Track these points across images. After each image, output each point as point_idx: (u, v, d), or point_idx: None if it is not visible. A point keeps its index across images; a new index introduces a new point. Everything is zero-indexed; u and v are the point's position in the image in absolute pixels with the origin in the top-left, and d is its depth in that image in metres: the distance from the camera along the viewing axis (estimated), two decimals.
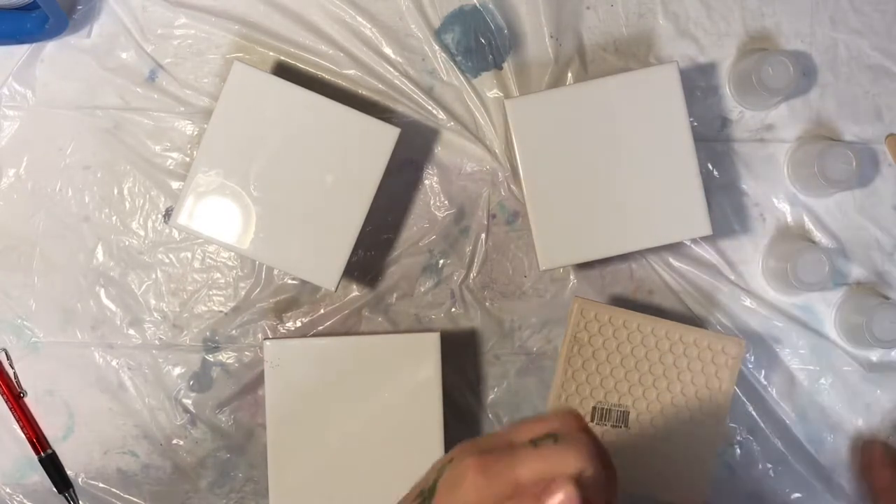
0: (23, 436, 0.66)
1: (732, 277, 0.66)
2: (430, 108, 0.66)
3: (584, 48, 0.66)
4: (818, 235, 0.66)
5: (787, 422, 0.66)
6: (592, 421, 0.58)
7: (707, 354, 0.58)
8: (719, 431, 0.59)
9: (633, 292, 0.66)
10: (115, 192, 0.66)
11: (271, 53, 0.66)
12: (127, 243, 0.67)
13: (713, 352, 0.58)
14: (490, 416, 0.67)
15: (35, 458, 0.67)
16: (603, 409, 0.58)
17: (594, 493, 0.33)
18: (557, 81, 0.65)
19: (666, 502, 0.58)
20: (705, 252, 0.66)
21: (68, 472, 0.67)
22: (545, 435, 0.35)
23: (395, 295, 0.66)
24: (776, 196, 0.66)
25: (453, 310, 0.66)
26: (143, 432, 0.67)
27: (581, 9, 0.66)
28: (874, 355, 0.67)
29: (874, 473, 0.62)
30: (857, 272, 0.66)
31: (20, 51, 0.65)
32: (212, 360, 0.67)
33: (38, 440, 0.66)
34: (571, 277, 0.66)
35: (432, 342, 0.61)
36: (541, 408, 0.66)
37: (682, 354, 0.58)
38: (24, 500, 0.67)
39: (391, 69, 0.65)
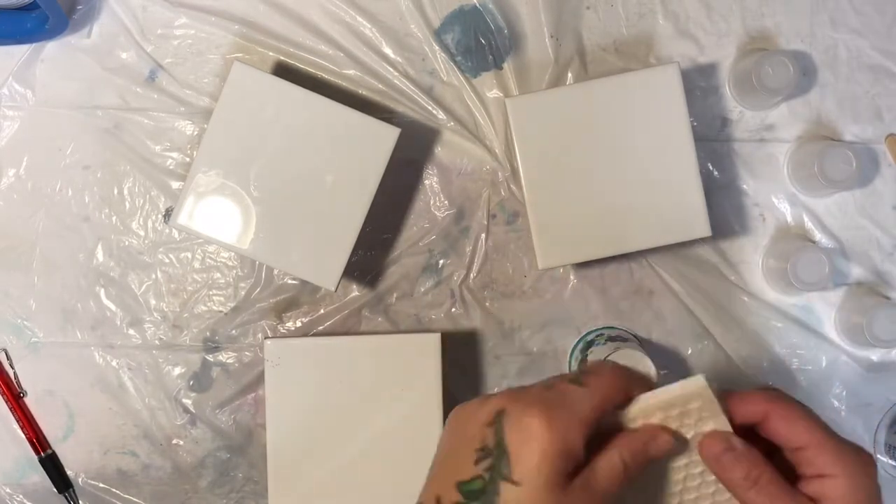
0: (23, 436, 0.66)
1: (732, 277, 0.66)
2: (430, 108, 0.66)
3: (584, 48, 0.66)
4: (818, 235, 0.66)
5: None
6: None
7: None
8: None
9: (634, 292, 0.66)
10: (115, 192, 0.66)
11: (271, 53, 0.66)
12: (127, 243, 0.67)
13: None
14: None
15: (35, 458, 0.67)
16: None
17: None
18: (557, 81, 0.65)
19: None
20: (705, 252, 0.66)
21: (68, 472, 0.67)
22: (578, 372, 0.40)
23: (395, 295, 0.66)
24: (776, 196, 0.66)
25: (453, 310, 0.66)
26: (143, 432, 0.67)
27: (581, 9, 0.66)
28: (874, 355, 0.67)
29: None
30: (857, 272, 0.66)
31: (20, 51, 0.65)
32: (212, 360, 0.67)
33: (38, 440, 0.66)
34: (571, 277, 0.66)
35: (433, 343, 0.61)
36: None
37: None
38: (24, 500, 0.67)
39: (391, 69, 0.65)
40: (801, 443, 0.38)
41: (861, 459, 0.37)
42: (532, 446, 0.36)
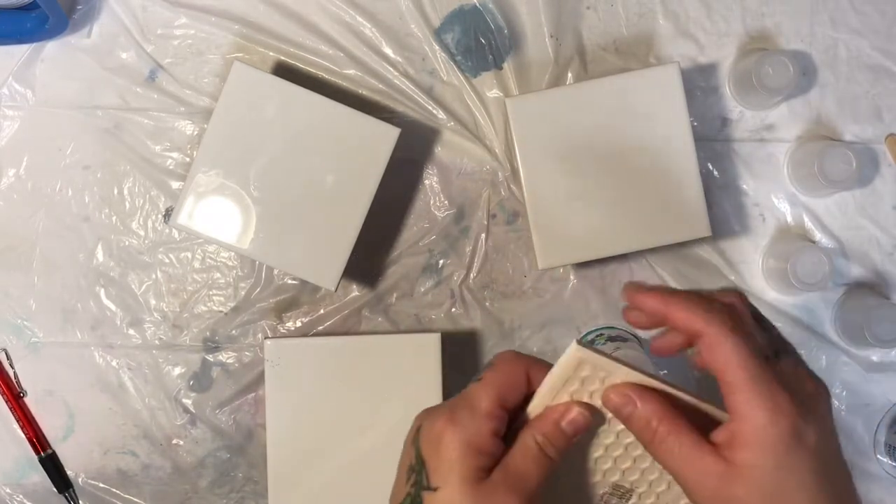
0: (23, 436, 0.66)
1: (732, 277, 0.66)
2: (430, 108, 0.66)
3: (584, 48, 0.66)
4: (818, 235, 0.66)
5: None
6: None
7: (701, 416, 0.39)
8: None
9: None
10: (115, 192, 0.66)
11: (271, 53, 0.66)
12: (127, 243, 0.67)
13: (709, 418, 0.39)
14: None
15: (35, 458, 0.67)
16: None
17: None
18: (557, 81, 0.65)
19: None
20: (705, 252, 0.66)
21: (68, 472, 0.67)
22: (481, 370, 0.39)
23: (395, 295, 0.66)
24: (776, 196, 0.66)
25: (453, 310, 0.66)
26: (143, 432, 0.67)
27: (581, 9, 0.66)
28: (874, 355, 0.67)
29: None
30: (857, 272, 0.66)
31: (20, 51, 0.65)
32: (212, 360, 0.67)
33: (38, 440, 0.66)
34: (571, 277, 0.66)
35: (433, 343, 0.61)
36: None
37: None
38: (24, 500, 0.67)
39: (391, 69, 0.65)
40: (723, 380, 0.35)
41: (773, 406, 0.34)
42: (441, 450, 0.37)
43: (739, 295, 0.38)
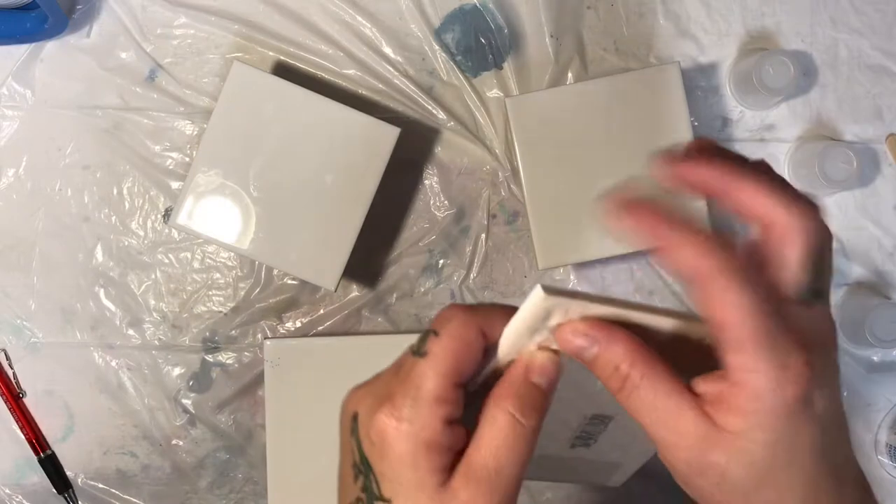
0: (22, 436, 0.66)
1: None
2: (430, 108, 0.66)
3: (584, 48, 0.66)
4: None
5: None
6: None
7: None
8: None
9: (634, 292, 0.66)
10: (115, 192, 0.66)
11: (271, 53, 0.66)
12: (126, 243, 0.66)
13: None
14: None
15: (35, 458, 0.66)
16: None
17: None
18: (557, 81, 0.65)
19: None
20: None
21: (68, 473, 0.67)
22: (421, 338, 0.32)
23: (395, 295, 0.66)
24: None
25: None
26: (142, 432, 0.67)
27: (581, 9, 0.66)
28: (874, 355, 0.66)
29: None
30: (857, 272, 0.66)
31: (20, 51, 0.65)
32: (211, 360, 0.67)
33: (37, 441, 0.66)
34: (571, 277, 0.66)
35: None
36: None
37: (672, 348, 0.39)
38: (24, 501, 0.67)
39: (391, 69, 0.65)
40: (721, 334, 0.29)
41: (782, 369, 0.28)
42: (386, 453, 0.31)
43: (809, 208, 0.30)
